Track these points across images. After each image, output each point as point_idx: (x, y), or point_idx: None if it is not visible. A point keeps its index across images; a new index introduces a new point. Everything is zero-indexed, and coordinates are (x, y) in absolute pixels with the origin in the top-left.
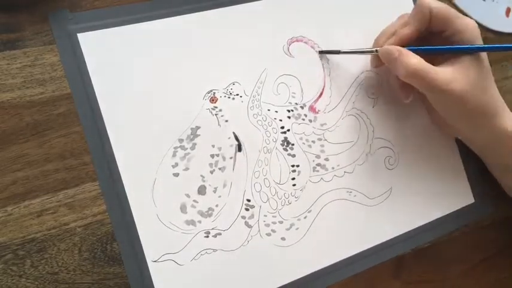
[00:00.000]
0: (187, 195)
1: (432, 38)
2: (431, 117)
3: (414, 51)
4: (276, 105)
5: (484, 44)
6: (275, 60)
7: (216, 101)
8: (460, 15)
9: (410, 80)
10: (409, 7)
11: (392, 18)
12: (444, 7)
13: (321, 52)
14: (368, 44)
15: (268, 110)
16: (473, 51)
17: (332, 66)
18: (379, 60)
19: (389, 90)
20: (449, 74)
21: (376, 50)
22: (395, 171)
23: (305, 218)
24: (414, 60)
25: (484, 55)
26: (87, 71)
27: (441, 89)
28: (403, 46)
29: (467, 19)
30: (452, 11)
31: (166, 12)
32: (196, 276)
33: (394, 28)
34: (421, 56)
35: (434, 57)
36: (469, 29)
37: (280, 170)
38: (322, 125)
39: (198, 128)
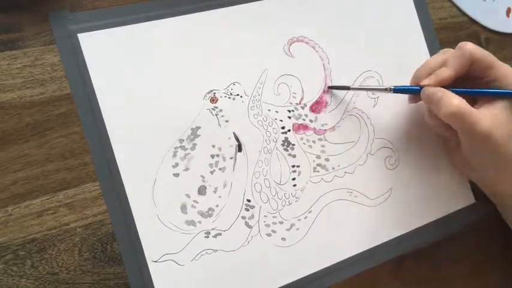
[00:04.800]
0: (188, 196)
1: (470, 82)
2: (452, 159)
3: (456, 92)
4: (277, 106)
5: (486, 43)
6: (276, 61)
7: (217, 101)
8: (500, 62)
9: (451, 121)
10: (409, 6)
11: (392, 19)
12: (485, 54)
13: (330, 87)
14: (369, 45)
15: (269, 110)
16: None
17: (333, 66)
18: (417, 97)
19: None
20: (490, 120)
21: (386, 89)
22: (396, 172)
23: (305, 218)
24: (457, 101)
25: None
26: (87, 71)
27: (482, 134)
28: (442, 87)
29: (507, 67)
30: (493, 58)
31: (167, 12)
32: (197, 276)
33: (433, 64)
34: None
35: (472, 101)
36: (509, 75)
37: (281, 170)
38: (322, 125)
39: (198, 128)
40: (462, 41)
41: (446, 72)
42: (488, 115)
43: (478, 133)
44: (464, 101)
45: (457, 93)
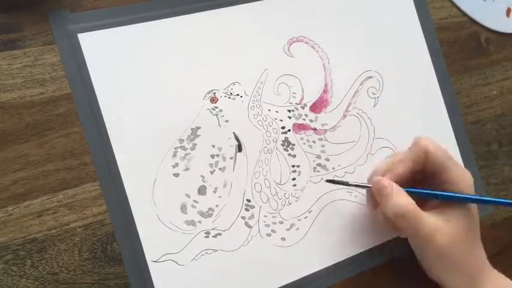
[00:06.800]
0: (188, 196)
1: (425, 180)
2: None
3: (408, 192)
4: (277, 106)
5: (486, 43)
6: (276, 60)
7: (217, 101)
8: (457, 164)
9: (397, 221)
10: (409, 6)
11: (392, 19)
12: (441, 152)
13: (328, 181)
14: (369, 45)
15: (269, 110)
16: (466, 202)
17: (333, 66)
18: (375, 200)
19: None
20: (436, 224)
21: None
22: None
23: (305, 218)
24: (404, 201)
25: (475, 210)
26: (87, 71)
27: (424, 239)
28: (399, 183)
29: (463, 171)
30: (449, 158)
31: (166, 12)
32: (197, 276)
33: (388, 166)
34: (412, 197)
35: (425, 201)
36: (464, 181)
37: (281, 170)
38: (323, 125)
39: (198, 128)
40: (462, 43)
41: (400, 168)
42: (434, 219)
43: (421, 237)
44: (412, 202)
45: (409, 192)
